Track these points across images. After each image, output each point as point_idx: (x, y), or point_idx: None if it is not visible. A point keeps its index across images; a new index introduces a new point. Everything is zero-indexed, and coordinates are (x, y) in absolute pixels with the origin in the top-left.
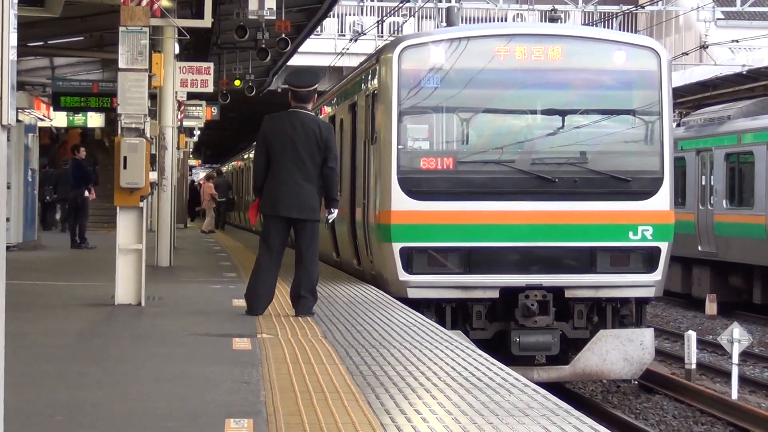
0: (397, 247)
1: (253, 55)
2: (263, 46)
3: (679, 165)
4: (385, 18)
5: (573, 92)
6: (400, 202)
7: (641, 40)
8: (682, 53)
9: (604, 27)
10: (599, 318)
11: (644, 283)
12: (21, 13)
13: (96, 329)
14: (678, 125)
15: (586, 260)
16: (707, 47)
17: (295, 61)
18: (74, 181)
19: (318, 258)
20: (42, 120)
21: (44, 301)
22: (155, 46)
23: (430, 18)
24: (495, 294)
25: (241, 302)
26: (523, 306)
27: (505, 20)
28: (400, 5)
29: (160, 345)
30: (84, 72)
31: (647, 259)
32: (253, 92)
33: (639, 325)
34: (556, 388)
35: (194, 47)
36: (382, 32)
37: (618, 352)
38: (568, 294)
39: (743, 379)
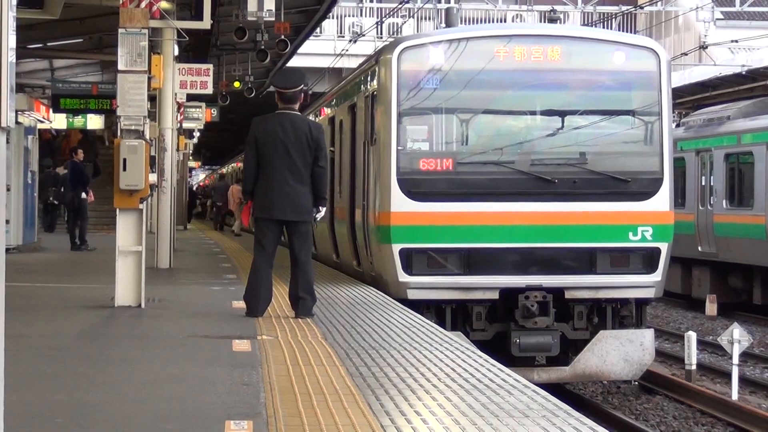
0: (396, 248)
1: (252, 56)
2: (262, 47)
3: (679, 165)
4: (384, 19)
5: (572, 93)
6: (400, 203)
7: (640, 40)
8: (682, 53)
9: (604, 27)
10: (599, 319)
11: (644, 284)
12: (20, 15)
13: (96, 331)
14: (677, 125)
15: (585, 261)
16: (706, 47)
17: (295, 62)
18: (72, 184)
19: (311, 257)
20: (42, 122)
21: (44, 303)
22: (154, 47)
23: (430, 19)
24: (495, 295)
25: (240, 304)
26: (523, 307)
27: (505, 21)
28: (400, 6)
29: (159, 347)
30: (83, 74)
31: (647, 259)
32: (253, 94)
33: (639, 325)
34: (556, 389)
35: (193, 49)
36: (381, 33)
37: (618, 353)
38: (568, 295)
39: (743, 380)
